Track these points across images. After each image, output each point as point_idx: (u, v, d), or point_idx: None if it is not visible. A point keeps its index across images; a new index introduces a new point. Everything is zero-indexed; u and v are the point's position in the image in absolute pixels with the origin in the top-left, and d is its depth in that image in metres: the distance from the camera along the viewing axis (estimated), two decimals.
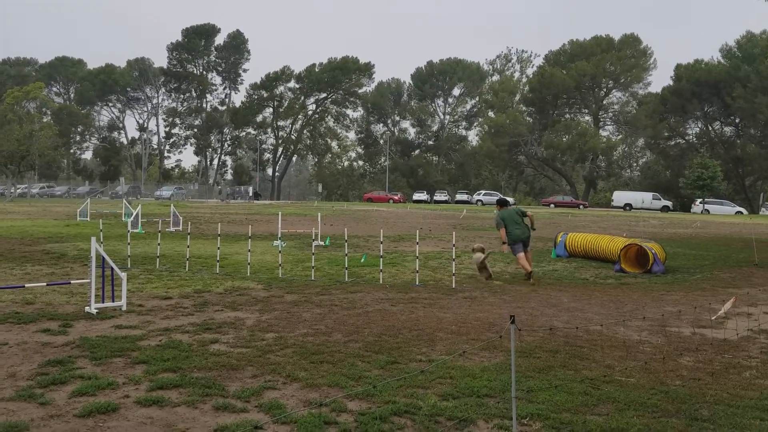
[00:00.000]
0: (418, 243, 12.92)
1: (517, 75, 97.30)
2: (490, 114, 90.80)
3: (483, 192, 75.41)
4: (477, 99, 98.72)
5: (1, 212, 34.07)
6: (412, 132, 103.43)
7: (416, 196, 77.35)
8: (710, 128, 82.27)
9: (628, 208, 64.55)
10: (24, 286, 9.43)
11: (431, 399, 5.17)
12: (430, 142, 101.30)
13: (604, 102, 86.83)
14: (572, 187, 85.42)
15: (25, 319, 7.79)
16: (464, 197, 74.35)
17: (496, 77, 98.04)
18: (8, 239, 18.48)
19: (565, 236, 17.16)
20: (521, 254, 12.61)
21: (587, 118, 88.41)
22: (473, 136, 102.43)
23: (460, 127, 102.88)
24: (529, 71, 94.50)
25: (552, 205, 67.12)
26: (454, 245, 12.07)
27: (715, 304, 9.72)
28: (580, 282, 12.71)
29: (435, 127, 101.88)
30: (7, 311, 8.30)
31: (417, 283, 11.59)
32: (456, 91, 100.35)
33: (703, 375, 6.10)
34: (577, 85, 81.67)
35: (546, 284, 12.14)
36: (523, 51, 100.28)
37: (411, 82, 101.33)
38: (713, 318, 8.51)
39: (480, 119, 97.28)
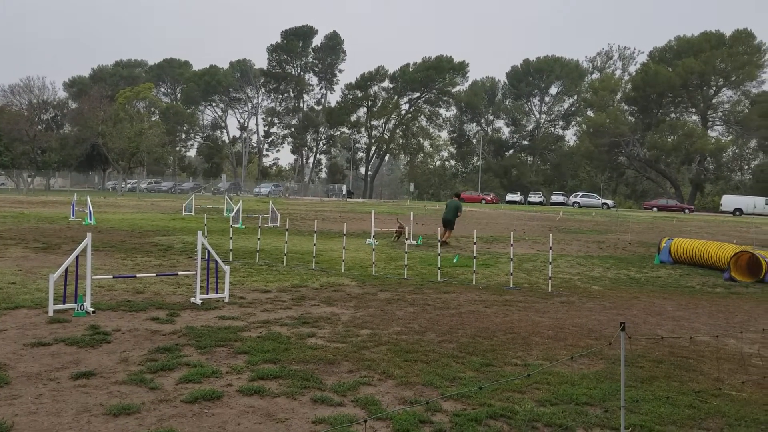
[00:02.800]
0: (512, 244, 12.70)
1: (618, 73, 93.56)
2: (589, 113, 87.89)
3: (580, 194, 73.08)
4: (575, 98, 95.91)
5: (113, 206, 36.36)
6: (506, 131, 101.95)
7: (509, 197, 76.02)
8: None
9: (738, 213, 60.75)
10: (135, 276, 10.01)
11: (528, 404, 5.06)
12: (525, 142, 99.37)
13: (713, 101, 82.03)
14: (677, 190, 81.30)
15: (136, 308, 8.26)
16: (560, 199, 72.39)
17: (596, 75, 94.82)
18: (120, 231, 19.67)
19: (670, 242, 16.36)
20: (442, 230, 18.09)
21: (694, 117, 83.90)
22: (570, 136, 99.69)
23: (557, 126, 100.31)
24: (632, 69, 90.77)
25: (655, 209, 64.18)
26: (550, 248, 11.77)
27: None
28: (686, 290, 12.08)
29: (530, 127, 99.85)
30: (120, 299, 8.83)
31: (511, 285, 11.39)
32: (553, 90, 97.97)
33: None
34: (683, 83, 77.61)
35: (649, 291, 11.63)
36: (625, 48, 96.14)
37: (506, 80, 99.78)
38: None
39: (578, 118, 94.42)
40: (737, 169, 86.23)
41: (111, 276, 9.87)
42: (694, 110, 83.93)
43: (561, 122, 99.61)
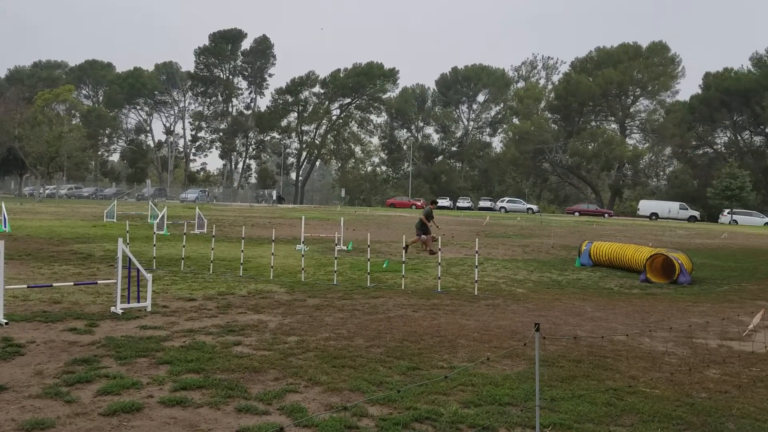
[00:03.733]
0: (440, 249, 12.88)
1: (542, 82, 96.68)
2: (515, 121, 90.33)
3: (506, 199, 74.91)
4: (502, 105, 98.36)
5: (30, 212, 34.68)
6: (435, 138, 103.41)
7: (439, 203, 77.17)
8: (739, 138, 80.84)
9: (654, 217, 63.72)
10: (52, 286, 9.60)
11: (453, 406, 5.15)
12: (454, 148, 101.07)
13: (631, 110, 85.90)
14: (597, 195, 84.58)
15: (53, 318, 7.92)
16: (487, 204, 73.98)
17: (521, 84, 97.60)
18: (37, 239, 18.81)
19: (590, 245, 17.00)
20: (428, 236, 18.41)
21: (613, 126, 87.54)
22: (497, 143, 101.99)
23: (484, 133, 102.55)
24: (555, 78, 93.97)
25: (576, 213, 66.50)
26: (476, 252, 12.02)
27: (744, 316, 9.56)
28: (604, 291, 12.58)
29: (459, 134, 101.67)
30: (35, 309, 8.45)
31: (439, 289, 11.56)
32: (481, 98, 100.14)
33: (730, 388, 6.00)
34: (603, 92, 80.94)
35: (570, 293, 12.04)
36: (549, 58, 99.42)
37: (435, 87, 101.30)
38: (744, 333, 8.36)
39: (504, 126, 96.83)
40: (653, 175, 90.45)
41: (26, 285, 9.41)
42: (613, 119, 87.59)
43: (488, 129, 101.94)
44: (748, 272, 16.60)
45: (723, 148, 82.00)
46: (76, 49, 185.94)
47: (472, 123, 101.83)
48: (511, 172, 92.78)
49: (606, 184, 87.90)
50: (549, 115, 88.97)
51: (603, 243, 17.56)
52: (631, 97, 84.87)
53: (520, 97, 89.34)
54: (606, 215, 66.03)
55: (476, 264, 11.97)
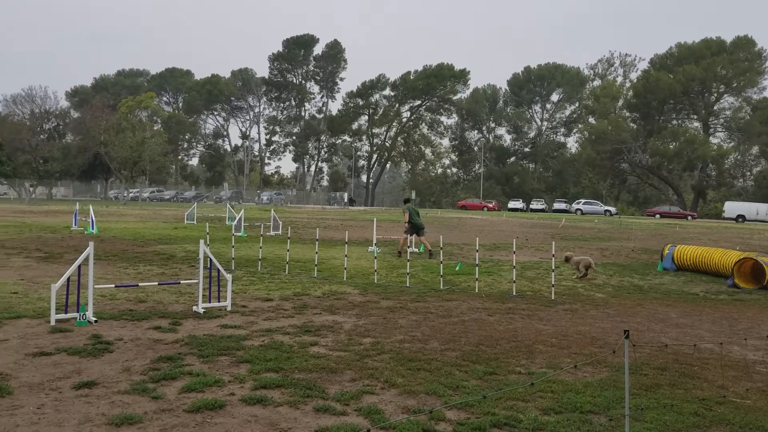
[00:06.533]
0: (515, 252, 12.66)
1: (619, 80, 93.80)
2: (591, 120, 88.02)
3: (583, 201, 73.08)
4: (577, 105, 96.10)
5: (115, 215, 36.39)
6: (507, 139, 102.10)
7: (512, 204, 76.06)
8: None
9: (740, 219, 60.72)
10: (137, 285, 10.01)
11: (532, 413, 5.03)
12: (527, 149, 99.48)
13: (715, 108, 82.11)
14: (679, 196, 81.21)
15: (138, 317, 8.24)
16: (562, 206, 72.40)
17: (597, 82, 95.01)
18: (122, 240, 19.67)
19: (673, 248, 16.32)
20: (406, 236, 17.56)
21: (696, 124, 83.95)
22: (572, 143, 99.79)
23: (559, 133, 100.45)
24: (633, 76, 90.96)
25: (657, 216, 64.16)
26: (553, 255, 11.75)
27: None
28: (689, 297, 12.04)
29: (532, 134, 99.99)
30: (122, 308, 8.82)
31: (514, 293, 11.36)
32: (554, 97, 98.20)
33: None
34: (685, 89, 77.72)
35: (652, 298, 11.59)
36: (626, 55, 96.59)
37: (507, 88, 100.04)
38: None
39: (580, 125, 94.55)
40: (739, 175, 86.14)
41: (113, 285, 9.86)
42: (695, 117, 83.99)
43: (563, 129, 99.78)
44: None
45: None
46: (157, 58, 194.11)
47: (545, 123, 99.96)
48: (588, 173, 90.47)
49: (688, 185, 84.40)
50: (627, 114, 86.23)
51: (687, 246, 16.82)
52: (715, 95, 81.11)
53: (596, 96, 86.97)
54: (689, 217, 63.40)
55: (553, 267, 11.69)
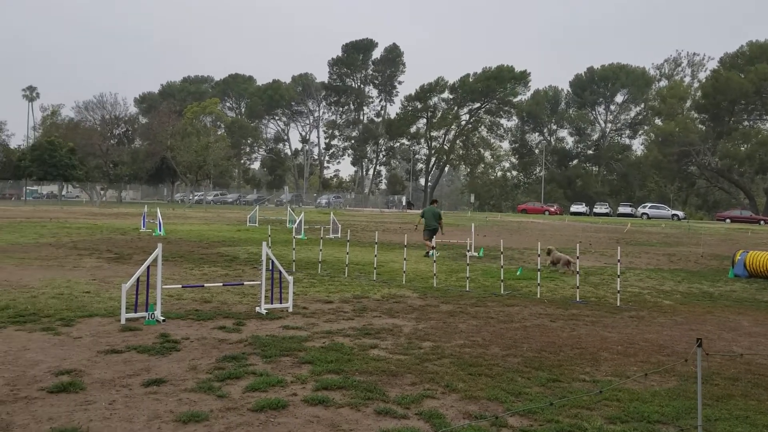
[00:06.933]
0: (578, 257, 12.39)
1: (687, 80, 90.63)
2: (657, 121, 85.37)
3: (649, 205, 70.79)
4: (642, 106, 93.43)
5: (181, 217, 37.49)
6: (570, 141, 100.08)
7: (574, 208, 74.41)
8: None
9: None
10: (203, 286, 10.27)
11: (597, 421, 4.90)
12: (590, 152, 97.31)
13: None
14: (751, 200, 77.76)
15: (204, 317, 8.46)
16: (627, 210, 70.37)
17: (663, 82, 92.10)
18: (188, 242, 20.24)
19: (745, 254, 15.63)
20: (428, 241, 18.14)
21: None
22: (638, 145, 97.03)
23: (623, 135, 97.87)
24: (702, 75, 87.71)
25: (728, 220, 61.63)
26: (618, 260, 11.44)
27: None
28: (763, 305, 11.50)
29: (595, 136, 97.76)
30: (188, 308, 9.07)
31: (578, 299, 11.10)
32: (619, 98, 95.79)
33: None
34: (757, 89, 74.37)
35: (723, 306, 11.13)
36: (694, 54, 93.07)
37: (569, 89, 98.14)
38: None
39: (646, 127, 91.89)
40: None
41: (180, 286, 10.15)
42: None
43: (627, 131, 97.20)
44: None
45: None
46: (221, 64, 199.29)
47: (609, 125, 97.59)
48: (654, 176, 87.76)
49: (761, 189, 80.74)
50: (695, 115, 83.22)
51: (760, 252, 16.08)
52: None
53: (662, 97, 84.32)
54: (762, 222, 60.63)
55: (618, 273, 11.38)
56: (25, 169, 68.50)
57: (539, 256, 12.54)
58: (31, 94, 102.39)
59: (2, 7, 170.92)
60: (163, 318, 8.11)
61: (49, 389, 5.28)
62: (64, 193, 79.22)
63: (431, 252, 16.49)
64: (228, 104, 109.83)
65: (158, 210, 25.85)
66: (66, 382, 5.42)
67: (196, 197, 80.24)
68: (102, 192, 75.41)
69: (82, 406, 4.93)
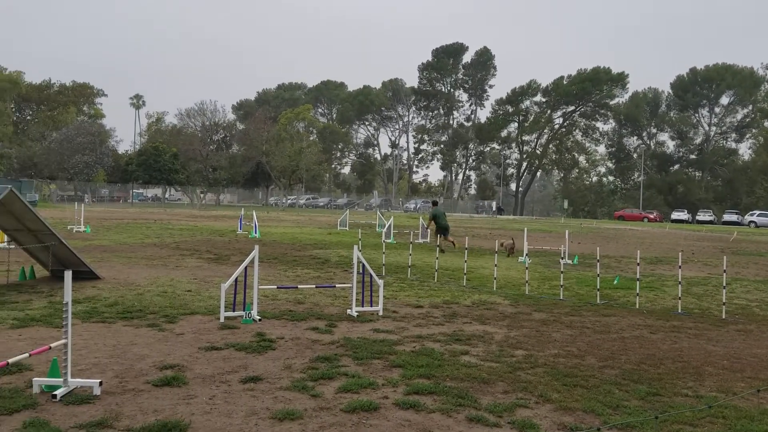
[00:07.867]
0: (680, 266, 11.80)
1: None
2: (767, 124, 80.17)
3: (758, 212, 66.52)
4: (750, 108, 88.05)
5: (275, 220, 38.64)
6: (670, 145, 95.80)
7: (675, 215, 71.02)
8: None
9: None
10: (297, 287, 10.54)
11: None
12: (693, 156, 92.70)
13: None
14: None
15: (297, 317, 8.67)
16: (733, 218, 66.43)
17: None
18: (282, 244, 20.83)
19: None
20: (439, 236, 18.96)
21: None
22: (745, 150, 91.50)
23: (729, 139, 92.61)
24: None
25: None
26: (724, 270, 10.81)
27: None
28: None
29: (698, 140, 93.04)
30: (282, 308, 9.33)
31: (680, 310, 10.57)
32: (724, 100, 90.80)
33: None
34: None
35: None
36: None
37: (670, 91, 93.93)
38: None
39: (754, 130, 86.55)
40: None
41: (275, 286, 10.46)
42: None
43: (734, 134, 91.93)
44: None
45: None
46: (314, 71, 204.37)
47: (714, 128, 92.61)
48: (763, 182, 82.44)
49: None
50: None
51: None
52: None
53: None
54: None
55: (724, 284, 10.75)
56: (132, 173, 72.78)
57: (638, 264, 12.03)
58: (137, 102, 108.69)
59: (115, 22, 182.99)
60: (259, 317, 8.38)
61: (154, 382, 5.57)
62: (167, 196, 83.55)
63: (443, 245, 17.86)
64: (320, 110, 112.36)
65: (254, 213, 26.76)
66: (170, 377, 5.70)
67: (288, 201, 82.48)
68: (202, 195, 78.90)
69: (185, 399, 5.17)
